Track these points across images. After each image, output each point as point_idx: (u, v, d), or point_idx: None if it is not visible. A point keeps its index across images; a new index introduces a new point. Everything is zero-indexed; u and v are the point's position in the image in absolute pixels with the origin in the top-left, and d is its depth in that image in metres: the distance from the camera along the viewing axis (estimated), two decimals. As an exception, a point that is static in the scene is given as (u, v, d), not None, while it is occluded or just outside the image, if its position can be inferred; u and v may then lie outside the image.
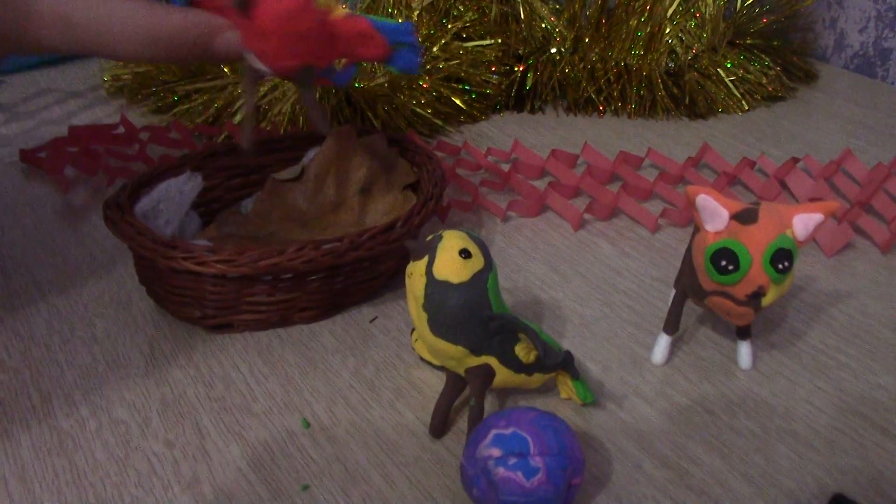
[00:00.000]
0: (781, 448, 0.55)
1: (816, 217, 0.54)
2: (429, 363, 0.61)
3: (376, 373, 0.61)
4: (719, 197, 0.55)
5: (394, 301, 0.69)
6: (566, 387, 0.57)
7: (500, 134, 1.01)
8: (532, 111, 1.07)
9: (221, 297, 0.62)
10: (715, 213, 0.54)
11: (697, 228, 0.56)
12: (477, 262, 0.51)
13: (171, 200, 0.68)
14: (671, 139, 1.00)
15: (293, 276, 0.62)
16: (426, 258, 0.51)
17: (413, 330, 0.63)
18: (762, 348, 0.64)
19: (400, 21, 0.62)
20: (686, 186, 0.56)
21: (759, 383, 0.60)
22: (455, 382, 0.55)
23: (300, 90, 0.66)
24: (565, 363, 0.54)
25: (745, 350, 0.62)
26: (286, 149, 0.79)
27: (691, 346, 0.64)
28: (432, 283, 0.50)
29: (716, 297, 0.56)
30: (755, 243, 0.53)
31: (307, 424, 0.56)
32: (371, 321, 0.66)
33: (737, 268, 0.53)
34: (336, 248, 0.61)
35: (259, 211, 0.74)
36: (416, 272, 0.51)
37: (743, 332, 0.61)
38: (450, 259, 0.50)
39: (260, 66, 0.62)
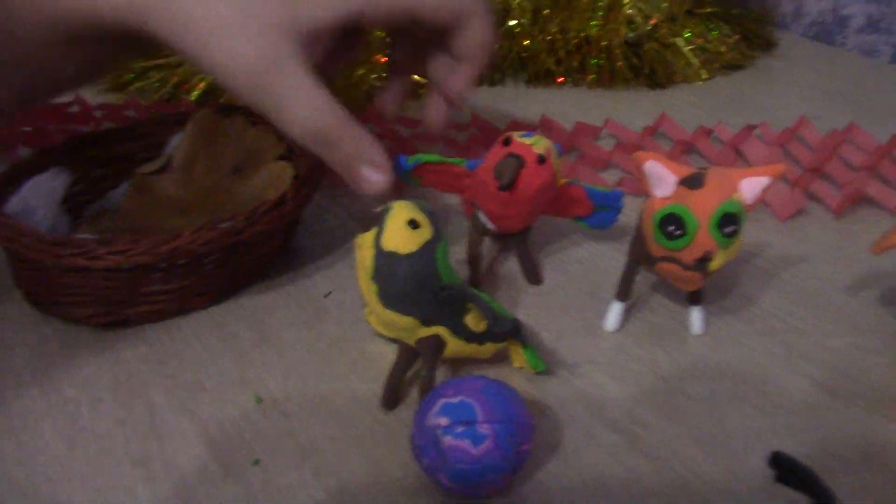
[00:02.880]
0: (731, 411, 0.55)
1: (763, 180, 0.54)
2: (383, 336, 0.61)
3: (330, 346, 0.61)
4: (667, 162, 0.55)
5: (349, 274, 0.68)
6: (518, 356, 0.57)
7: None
8: (492, 84, 1.07)
9: (114, 291, 0.60)
10: (662, 178, 0.55)
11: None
12: (426, 233, 0.51)
13: (41, 198, 0.66)
14: (630, 109, 1.00)
15: (188, 262, 0.60)
16: (374, 229, 0.51)
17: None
18: (715, 313, 0.64)
19: (611, 190, 0.67)
20: (634, 153, 0.56)
21: (710, 348, 0.61)
22: (407, 354, 0.55)
23: (512, 243, 0.69)
24: (514, 331, 0.54)
25: (696, 316, 0.62)
26: (148, 134, 0.76)
27: (644, 314, 0.64)
28: (381, 254, 0.50)
29: (665, 262, 0.56)
30: (702, 208, 0.53)
31: (259, 400, 0.56)
32: (326, 295, 0.66)
33: (684, 233, 0.53)
34: (233, 226, 0.59)
35: (130, 206, 0.72)
36: (364, 244, 0.51)
37: (694, 298, 0.62)
38: (398, 229, 0.50)
39: (490, 226, 0.65)
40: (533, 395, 0.56)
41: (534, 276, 0.68)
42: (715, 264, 0.54)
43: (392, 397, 0.55)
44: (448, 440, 0.46)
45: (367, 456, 0.52)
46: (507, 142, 0.62)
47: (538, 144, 0.61)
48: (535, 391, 0.57)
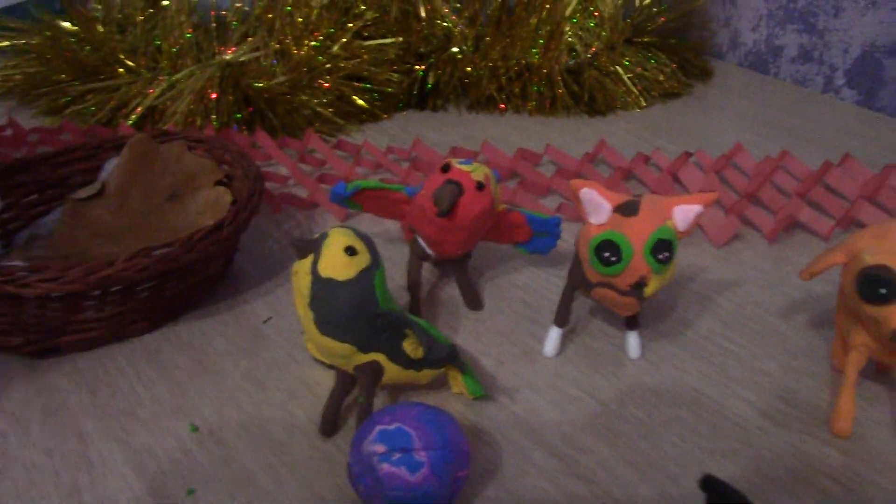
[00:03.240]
0: (667, 434, 0.56)
1: (696, 208, 0.55)
2: (321, 362, 0.60)
3: (268, 373, 0.60)
4: (602, 190, 0.56)
5: (289, 300, 0.68)
6: (457, 382, 0.57)
7: (401, 132, 1.01)
8: (434, 109, 1.08)
9: (45, 320, 0.59)
10: (598, 205, 0.55)
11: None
12: (363, 259, 0.51)
13: None
14: (570, 136, 1.02)
15: (122, 289, 0.59)
16: (311, 256, 0.51)
17: (306, 329, 0.62)
18: (651, 338, 0.65)
19: (549, 216, 0.68)
20: (571, 181, 0.57)
21: (647, 372, 0.62)
22: (344, 380, 0.55)
23: (452, 269, 0.69)
24: (451, 357, 0.54)
25: (633, 340, 0.63)
26: (82, 159, 0.75)
27: (583, 338, 0.65)
28: (318, 280, 0.50)
29: (601, 288, 0.57)
30: (636, 235, 0.54)
31: (195, 428, 0.55)
32: (265, 322, 0.66)
33: (619, 259, 0.54)
34: (168, 252, 0.59)
35: (63, 233, 0.71)
36: (301, 270, 0.51)
37: (631, 323, 0.62)
38: (335, 256, 0.50)
39: (430, 251, 0.65)
40: (471, 421, 0.56)
41: (474, 301, 0.68)
42: (650, 290, 0.55)
43: (330, 424, 0.55)
44: (385, 467, 0.46)
45: (304, 483, 0.51)
46: (445, 168, 0.62)
47: (477, 171, 0.62)
48: (474, 416, 0.57)
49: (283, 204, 0.81)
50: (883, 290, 0.50)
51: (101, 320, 0.60)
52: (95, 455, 0.53)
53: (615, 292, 0.56)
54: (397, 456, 0.46)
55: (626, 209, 0.55)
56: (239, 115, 0.95)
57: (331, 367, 0.58)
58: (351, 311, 0.50)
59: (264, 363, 0.61)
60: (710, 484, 0.38)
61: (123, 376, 0.59)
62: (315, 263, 0.50)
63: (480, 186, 0.61)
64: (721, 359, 0.63)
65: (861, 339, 0.55)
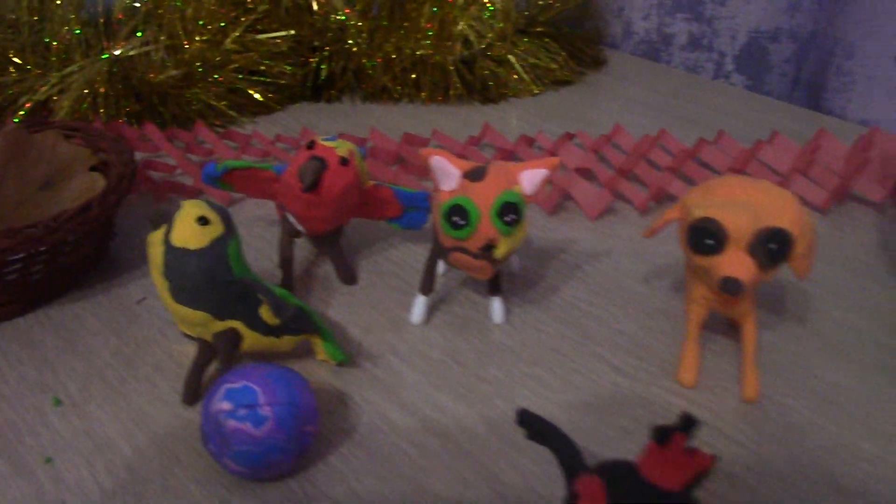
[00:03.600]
0: (523, 391, 0.58)
1: (541, 172, 0.58)
2: (189, 336, 0.62)
3: (137, 350, 0.61)
4: (452, 158, 0.58)
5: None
6: (320, 349, 0.59)
7: (295, 123, 1.02)
8: (329, 101, 1.09)
9: None
10: (447, 172, 0.58)
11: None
12: (216, 229, 0.53)
13: None
14: (463, 123, 1.04)
15: None
16: (164, 227, 0.52)
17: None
18: (518, 304, 0.68)
19: (417, 191, 0.70)
20: (421, 150, 0.59)
21: (509, 335, 0.64)
22: (205, 349, 0.56)
23: (325, 244, 0.70)
24: (303, 321, 0.56)
25: (496, 306, 0.65)
26: None
27: (451, 307, 0.67)
28: (171, 250, 0.52)
29: (455, 252, 0.59)
30: (483, 199, 0.56)
31: (58, 402, 0.56)
32: (138, 302, 0.67)
33: (467, 222, 0.56)
34: (33, 233, 0.59)
35: None
36: (154, 241, 0.52)
37: (494, 289, 0.65)
38: (187, 226, 0.52)
39: (300, 227, 0.67)
40: (334, 385, 0.58)
41: (347, 276, 0.70)
42: (500, 252, 0.57)
43: (191, 393, 0.56)
44: (231, 423, 0.47)
45: (164, 449, 0.52)
46: (310, 145, 0.64)
47: (341, 147, 0.64)
48: (337, 382, 0.59)
49: (169, 192, 0.82)
50: (710, 241, 0.53)
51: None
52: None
53: (468, 256, 0.58)
54: (243, 412, 0.47)
55: (474, 175, 0.57)
56: (129, 109, 0.95)
57: (196, 338, 0.60)
58: (203, 279, 0.52)
59: (134, 340, 0.62)
60: (525, 418, 0.40)
61: (-9, 358, 0.60)
62: (168, 233, 0.52)
63: (344, 161, 0.63)
64: (582, 321, 0.66)
65: (700, 291, 0.58)
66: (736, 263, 0.52)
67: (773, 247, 0.52)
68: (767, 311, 0.67)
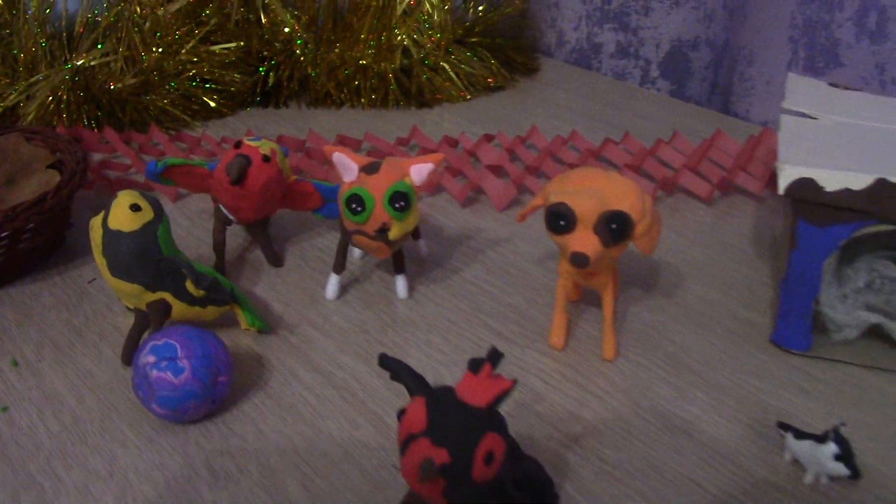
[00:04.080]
0: (417, 354, 0.68)
1: (428, 166, 0.68)
2: (131, 309, 0.71)
3: (85, 321, 0.71)
4: (351, 154, 0.68)
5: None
6: (242, 318, 0.69)
7: (243, 127, 1.12)
8: (277, 107, 1.19)
9: None
10: (347, 166, 0.68)
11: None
12: (147, 214, 0.62)
13: None
14: (397, 126, 1.14)
15: None
16: (102, 212, 0.62)
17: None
18: (423, 283, 0.78)
19: (336, 184, 0.80)
20: (324, 146, 0.69)
21: (411, 308, 0.74)
22: (141, 317, 0.66)
23: (254, 232, 0.80)
24: (220, 291, 0.66)
25: (400, 283, 0.75)
26: None
27: (363, 285, 0.77)
28: (108, 232, 0.61)
29: (356, 235, 0.69)
30: (377, 189, 0.66)
31: (15, 363, 0.66)
32: (90, 282, 0.76)
33: (364, 209, 0.66)
34: None
35: None
36: (95, 224, 0.62)
37: (398, 268, 0.75)
38: (121, 212, 0.61)
39: (231, 217, 0.76)
40: (254, 350, 0.68)
41: (274, 259, 0.80)
42: (393, 234, 0.67)
43: (129, 354, 0.66)
44: (154, 374, 0.57)
45: (103, 400, 0.62)
46: (237, 145, 0.74)
47: (264, 146, 0.74)
48: (257, 347, 0.69)
49: (121, 189, 0.92)
50: (562, 222, 0.63)
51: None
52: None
53: (366, 238, 0.68)
54: (164, 363, 0.57)
55: (370, 168, 0.67)
56: (90, 115, 1.05)
57: (134, 309, 0.70)
58: (136, 257, 0.62)
59: (84, 314, 0.72)
60: (384, 361, 0.50)
61: (-41, 329, 0.70)
62: (105, 218, 0.62)
63: (266, 159, 0.73)
64: (478, 297, 0.76)
65: (563, 266, 0.68)
66: (583, 241, 0.62)
67: (614, 227, 0.62)
68: (640, 287, 0.78)
